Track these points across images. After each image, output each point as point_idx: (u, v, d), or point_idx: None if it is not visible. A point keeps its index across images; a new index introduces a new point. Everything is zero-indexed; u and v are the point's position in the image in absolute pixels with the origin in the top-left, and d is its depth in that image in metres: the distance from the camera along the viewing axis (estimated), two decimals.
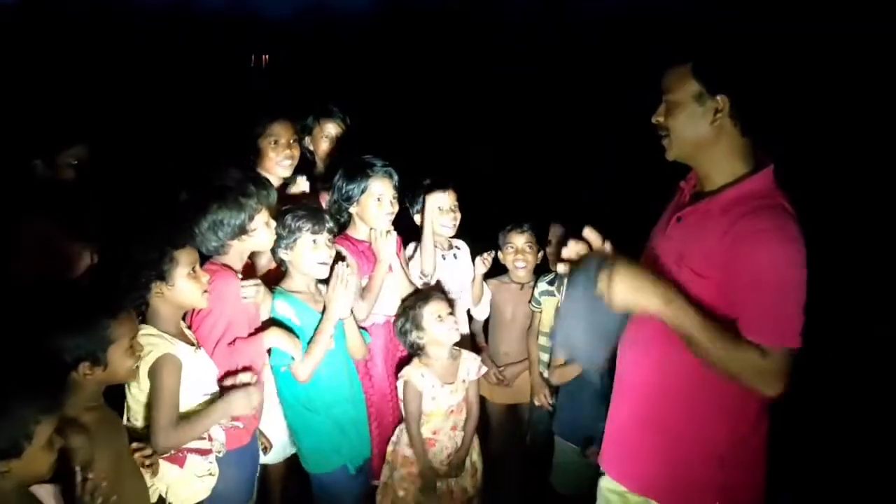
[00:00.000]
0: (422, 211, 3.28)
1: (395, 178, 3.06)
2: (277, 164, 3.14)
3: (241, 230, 2.57)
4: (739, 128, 1.96)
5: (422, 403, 3.01)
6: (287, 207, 2.83)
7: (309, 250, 2.77)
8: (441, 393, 3.02)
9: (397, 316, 3.10)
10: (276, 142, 3.13)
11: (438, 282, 3.32)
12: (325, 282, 2.84)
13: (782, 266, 1.86)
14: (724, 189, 1.98)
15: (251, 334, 2.66)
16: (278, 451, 3.02)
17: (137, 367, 2.21)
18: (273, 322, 2.76)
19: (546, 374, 3.39)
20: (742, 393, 1.93)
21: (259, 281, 2.70)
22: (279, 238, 2.76)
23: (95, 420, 2.08)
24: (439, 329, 2.98)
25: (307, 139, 3.53)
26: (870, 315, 5.07)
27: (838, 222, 5.71)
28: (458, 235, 3.44)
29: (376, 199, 3.02)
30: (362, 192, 3.02)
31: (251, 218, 2.57)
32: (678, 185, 2.18)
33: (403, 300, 3.12)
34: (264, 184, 2.69)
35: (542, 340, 3.46)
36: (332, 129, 3.53)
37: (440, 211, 3.26)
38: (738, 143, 1.98)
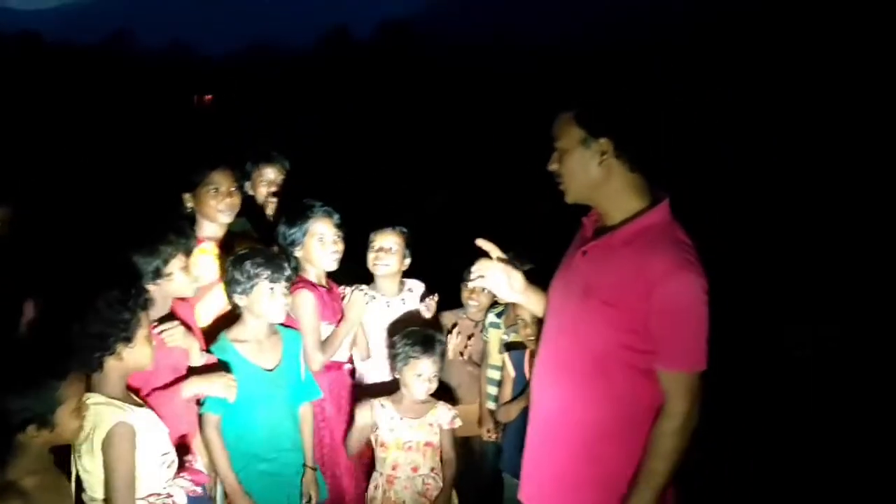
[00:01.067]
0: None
1: (336, 216, 3.11)
2: (218, 213, 3.10)
3: (157, 275, 2.56)
4: (627, 166, 2.07)
5: (369, 433, 3.00)
6: (245, 252, 2.82)
7: (266, 297, 2.78)
8: (400, 425, 2.99)
9: (401, 335, 3.04)
10: (216, 190, 3.08)
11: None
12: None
13: (694, 302, 1.99)
14: (623, 224, 2.09)
15: (179, 379, 2.61)
16: None
17: (82, 428, 2.16)
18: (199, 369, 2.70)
19: (493, 408, 3.41)
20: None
21: (178, 322, 2.63)
22: (236, 283, 2.77)
23: (37, 485, 2.03)
24: (413, 382, 2.97)
25: (247, 184, 3.53)
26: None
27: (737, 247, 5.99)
28: (425, 275, 3.45)
29: (318, 239, 3.06)
30: (304, 234, 3.06)
31: (165, 263, 2.57)
32: (581, 221, 2.28)
33: (411, 330, 3.06)
34: (183, 230, 2.67)
35: (490, 373, 3.48)
36: (270, 173, 3.54)
37: (375, 250, 3.28)
38: (630, 180, 2.09)
